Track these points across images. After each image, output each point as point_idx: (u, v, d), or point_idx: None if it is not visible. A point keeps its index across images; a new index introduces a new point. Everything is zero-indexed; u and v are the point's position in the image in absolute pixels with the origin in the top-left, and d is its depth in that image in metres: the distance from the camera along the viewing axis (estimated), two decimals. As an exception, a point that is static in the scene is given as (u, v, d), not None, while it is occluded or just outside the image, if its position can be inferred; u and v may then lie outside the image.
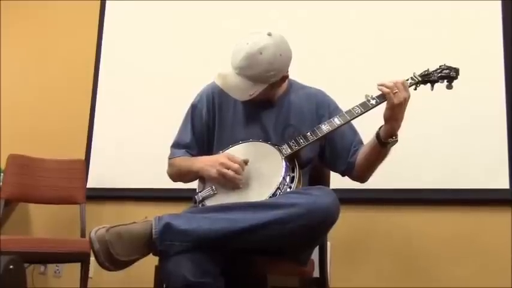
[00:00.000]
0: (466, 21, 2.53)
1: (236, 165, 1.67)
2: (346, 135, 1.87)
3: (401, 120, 1.70)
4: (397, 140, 1.72)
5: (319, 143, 1.84)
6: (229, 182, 1.67)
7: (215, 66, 2.54)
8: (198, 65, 3.04)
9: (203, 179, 1.78)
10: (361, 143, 1.88)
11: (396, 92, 1.65)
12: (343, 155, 1.87)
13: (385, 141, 1.71)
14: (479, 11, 2.51)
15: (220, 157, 1.72)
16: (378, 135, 1.74)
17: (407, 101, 1.67)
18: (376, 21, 2.71)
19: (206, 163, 1.75)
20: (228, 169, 1.66)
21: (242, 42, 1.70)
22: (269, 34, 1.70)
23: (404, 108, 1.68)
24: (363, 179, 1.88)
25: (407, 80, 1.77)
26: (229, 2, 3.08)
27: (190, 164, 1.82)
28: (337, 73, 2.67)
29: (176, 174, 1.92)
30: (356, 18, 2.76)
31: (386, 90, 1.66)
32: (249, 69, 1.68)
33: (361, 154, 1.83)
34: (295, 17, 2.86)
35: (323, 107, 1.91)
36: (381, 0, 2.70)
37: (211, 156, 1.80)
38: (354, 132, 1.90)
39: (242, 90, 1.72)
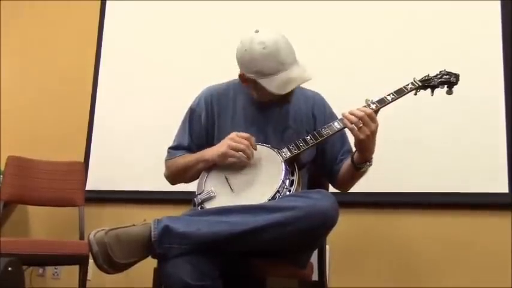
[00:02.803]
0: (465, 22, 2.53)
1: (245, 141, 1.68)
2: (336, 143, 1.89)
3: (373, 148, 1.70)
4: (371, 164, 1.73)
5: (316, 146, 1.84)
6: (239, 157, 1.68)
7: (216, 67, 2.55)
8: (198, 66, 3.04)
9: (203, 181, 1.77)
10: (349, 152, 1.88)
11: (361, 127, 1.63)
12: (331, 161, 1.90)
13: (358, 166, 1.73)
14: (478, 11, 2.51)
15: (229, 136, 1.73)
16: (352, 159, 1.76)
17: (376, 132, 1.65)
18: (376, 21, 2.70)
19: (216, 147, 1.76)
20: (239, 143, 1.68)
21: (275, 42, 1.68)
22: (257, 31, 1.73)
23: (374, 139, 1.67)
24: (342, 189, 1.91)
25: (408, 85, 1.78)
26: (229, 2, 3.08)
27: (200, 154, 1.81)
28: (337, 77, 2.66)
29: (176, 172, 1.90)
30: (356, 21, 2.75)
31: (350, 125, 1.64)
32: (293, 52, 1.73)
33: (342, 168, 1.86)
34: (295, 17, 2.86)
35: (319, 108, 1.93)
36: (381, 1, 2.70)
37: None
38: (344, 140, 1.90)
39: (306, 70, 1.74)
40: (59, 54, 3.63)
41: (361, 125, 1.63)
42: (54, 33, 3.69)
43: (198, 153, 1.84)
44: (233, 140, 1.69)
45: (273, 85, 1.69)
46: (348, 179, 1.85)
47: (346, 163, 1.83)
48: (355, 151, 1.75)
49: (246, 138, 1.70)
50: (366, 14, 2.73)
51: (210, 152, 1.77)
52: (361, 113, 1.64)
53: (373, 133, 1.65)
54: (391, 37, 2.66)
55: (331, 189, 1.99)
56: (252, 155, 1.70)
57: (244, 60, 1.73)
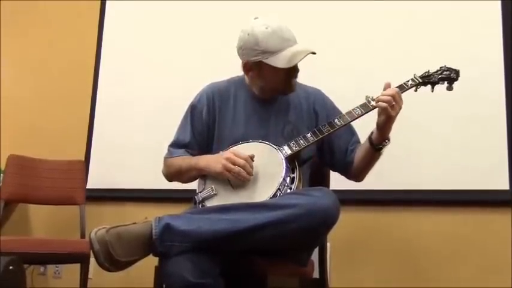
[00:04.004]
0: (466, 21, 2.53)
1: (242, 161, 1.67)
2: (344, 135, 1.89)
3: (392, 125, 1.73)
4: (389, 142, 1.76)
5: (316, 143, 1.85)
6: (234, 178, 1.67)
7: (216, 66, 2.55)
8: (198, 66, 3.04)
9: (203, 178, 1.78)
10: (358, 142, 1.90)
11: (393, 105, 1.67)
12: (341, 154, 1.89)
13: (378, 146, 1.75)
14: (479, 11, 2.51)
15: (226, 153, 1.72)
16: (370, 140, 1.77)
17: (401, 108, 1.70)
18: (376, 21, 2.71)
19: (211, 160, 1.75)
20: (234, 164, 1.67)
21: (276, 23, 1.75)
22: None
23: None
24: (358, 178, 1.91)
25: (408, 81, 1.79)
26: (229, 2, 3.08)
27: (195, 162, 1.81)
28: (338, 74, 2.66)
29: (175, 173, 1.90)
30: (356, 21, 2.76)
31: (384, 105, 1.67)
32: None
33: (356, 156, 1.86)
34: (295, 18, 2.84)
35: (320, 104, 1.94)
36: (381, 1, 2.70)
37: (216, 154, 1.79)
38: (351, 132, 1.91)
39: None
40: (59, 54, 3.63)
41: (394, 103, 1.66)
42: (54, 33, 3.69)
43: (193, 159, 1.84)
44: (229, 160, 1.68)
45: (280, 61, 1.72)
46: (365, 165, 1.84)
47: (361, 150, 1.83)
48: (372, 133, 1.76)
49: (244, 159, 1.68)
50: (366, 14, 2.73)
51: (205, 162, 1.77)
52: (392, 92, 1.68)
53: (400, 109, 1.70)
54: (391, 37, 2.66)
55: (333, 186, 2.00)
56: (250, 174, 1.68)
57: (248, 45, 1.75)
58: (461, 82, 1.81)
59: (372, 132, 1.76)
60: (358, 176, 1.90)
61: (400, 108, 1.69)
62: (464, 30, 2.52)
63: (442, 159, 2.45)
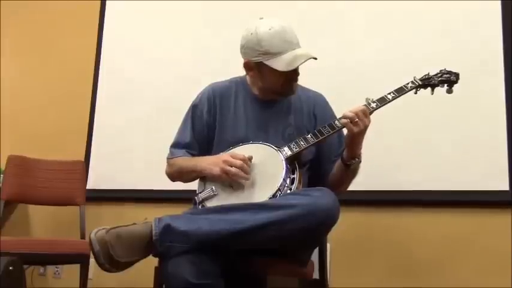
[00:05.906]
0: (466, 21, 2.53)
1: (239, 162, 1.67)
2: (333, 144, 1.90)
3: (361, 144, 1.75)
4: (360, 161, 1.78)
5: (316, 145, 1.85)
6: (233, 179, 1.67)
7: (216, 66, 2.55)
8: (198, 66, 3.04)
9: (203, 179, 1.78)
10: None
11: (356, 121, 1.67)
12: (325, 161, 1.91)
13: (348, 162, 1.76)
14: (479, 11, 2.51)
15: (224, 155, 1.73)
16: (342, 157, 1.79)
17: (368, 127, 1.70)
18: (375, 21, 2.70)
19: (210, 162, 1.75)
20: (231, 166, 1.67)
21: (280, 25, 1.76)
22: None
23: (364, 135, 1.72)
24: (334, 190, 1.82)
25: (408, 83, 1.79)
26: (229, 2, 3.08)
27: (194, 164, 1.82)
28: (338, 76, 2.66)
29: (176, 174, 1.92)
30: (356, 21, 2.75)
31: (344, 120, 1.69)
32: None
33: (334, 168, 1.88)
34: (296, 18, 2.84)
35: (320, 108, 1.95)
36: (381, 1, 2.70)
37: (215, 156, 1.80)
38: (342, 142, 1.89)
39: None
40: (59, 54, 3.63)
41: (356, 119, 1.67)
42: (54, 33, 3.69)
43: (193, 160, 1.85)
44: (226, 163, 1.69)
45: (280, 63, 1.73)
46: (337, 179, 1.86)
47: (337, 164, 1.85)
48: (344, 149, 1.78)
49: (241, 160, 1.69)
50: (366, 14, 2.73)
51: (204, 164, 1.78)
52: (356, 109, 1.69)
53: (366, 128, 1.69)
54: (391, 37, 2.65)
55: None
56: (247, 173, 1.68)
57: (251, 44, 1.76)
58: (461, 82, 1.81)
59: (343, 148, 1.79)
60: (333, 187, 1.81)
61: (366, 127, 1.69)
62: (464, 30, 2.52)
63: (442, 160, 2.45)
